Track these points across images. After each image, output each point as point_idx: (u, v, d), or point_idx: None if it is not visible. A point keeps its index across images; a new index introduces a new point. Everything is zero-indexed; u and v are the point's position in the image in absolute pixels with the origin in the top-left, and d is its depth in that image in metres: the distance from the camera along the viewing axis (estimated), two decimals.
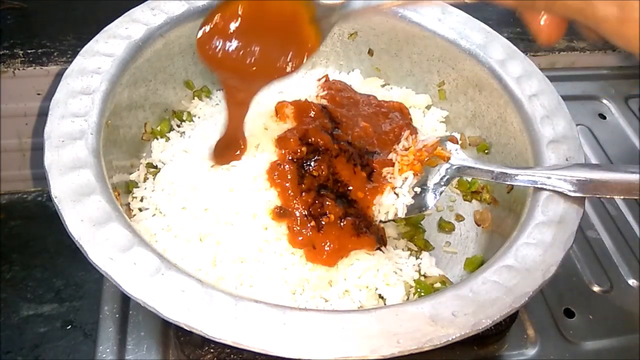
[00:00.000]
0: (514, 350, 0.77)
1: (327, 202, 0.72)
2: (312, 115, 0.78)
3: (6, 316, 0.84)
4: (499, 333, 0.76)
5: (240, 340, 0.54)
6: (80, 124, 0.70)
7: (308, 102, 0.81)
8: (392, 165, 0.78)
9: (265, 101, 0.85)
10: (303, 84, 0.91)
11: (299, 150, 0.74)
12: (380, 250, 0.75)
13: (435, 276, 0.76)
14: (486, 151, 0.90)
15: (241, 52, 0.64)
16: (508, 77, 0.86)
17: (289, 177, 0.72)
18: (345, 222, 0.72)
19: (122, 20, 0.83)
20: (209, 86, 0.96)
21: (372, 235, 0.73)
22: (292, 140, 0.75)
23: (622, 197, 0.76)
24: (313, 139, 0.75)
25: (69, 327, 0.81)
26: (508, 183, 0.74)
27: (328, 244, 0.71)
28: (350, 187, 0.75)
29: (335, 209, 0.72)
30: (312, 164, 0.74)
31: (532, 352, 0.78)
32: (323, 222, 0.71)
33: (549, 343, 0.78)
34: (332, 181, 0.75)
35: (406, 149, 0.80)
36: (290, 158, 0.74)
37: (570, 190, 0.69)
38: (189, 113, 0.93)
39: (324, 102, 0.85)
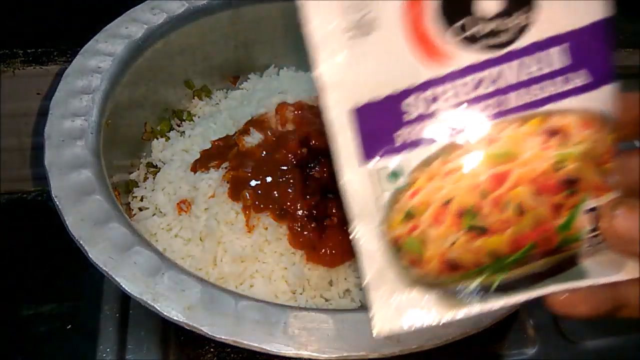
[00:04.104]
0: (514, 350, 0.77)
1: (331, 205, 0.72)
2: (319, 123, 0.78)
3: (6, 316, 0.84)
4: (499, 332, 0.76)
5: (241, 340, 0.54)
6: (80, 123, 0.70)
7: (315, 106, 0.81)
8: None
9: (265, 101, 0.85)
10: (304, 84, 0.91)
11: (299, 152, 0.74)
12: None
13: None
14: None
15: None
16: None
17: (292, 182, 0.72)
18: (347, 226, 0.71)
19: (122, 20, 0.83)
20: (209, 86, 0.96)
21: None
22: (291, 142, 0.75)
23: None
24: (314, 142, 0.75)
25: (69, 327, 0.81)
26: None
27: (330, 246, 0.71)
28: None
29: (339, 212, 0.72)
30: (314, 166, 0.74)
31: (532, 351, 0.77)
32: (325, 224, 0.71)
33: (549, 342, 0.78)
34: (334, 183, 0.74)
35: None
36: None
37: None
38: (189, 112, 0.93)
39: None
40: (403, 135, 0.35)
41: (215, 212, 0.73)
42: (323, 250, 0.70)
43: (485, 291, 0.36)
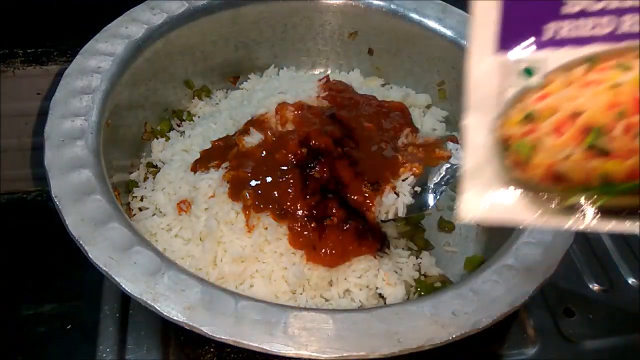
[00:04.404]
0: (514, 350, 0.77)
1: (331, 205, 0.72)
2: (318, 123, 0.78)
3: (6, 316, 0.84)
4: (499, 332, 0.76)
5: (241, 340, 0.54)
6: (80, 123, 0.70)
7: (314, 106, 0.81)
8: (394, 166, 0.78)
9: (265, 101, 0.85)
10: (303, 84, 0.91)
11: (299, 152, 0.74)
12: (383, 251, 0.75)
13: (435, 275, 0.76)
14: None
15: None
16: None
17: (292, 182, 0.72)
18: (348, 226, 0.72)
19: (122, 20, 0.83)
20: (209, 86, 0.96)
21: (376, 240, 0.73)
22: (291, 142, 0.74)
23: None
24: (314, 142, 0.75)
25: (69, 327, 0.81)
26: None
27: (330, 246, 0.71)
28: (353, 192, 0.75)
29: (339, 211, 0.72)
30: (314, 166, 0.74)
31: (532, 351, 0.77)
32: (325, 224, 0.71)
33: (549, 343, 0.78)
34: (334, 184, 0.74)
35: (405, 145, 0.80)
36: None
37: None
38: (188, 112, 0.93)
39: (325, 102, 0.84)
40: (554, 28, 0.31)
41: (215, 212, 0.73)
42: (323, 250, 0.70)
43: (581, 209, 0.33)
